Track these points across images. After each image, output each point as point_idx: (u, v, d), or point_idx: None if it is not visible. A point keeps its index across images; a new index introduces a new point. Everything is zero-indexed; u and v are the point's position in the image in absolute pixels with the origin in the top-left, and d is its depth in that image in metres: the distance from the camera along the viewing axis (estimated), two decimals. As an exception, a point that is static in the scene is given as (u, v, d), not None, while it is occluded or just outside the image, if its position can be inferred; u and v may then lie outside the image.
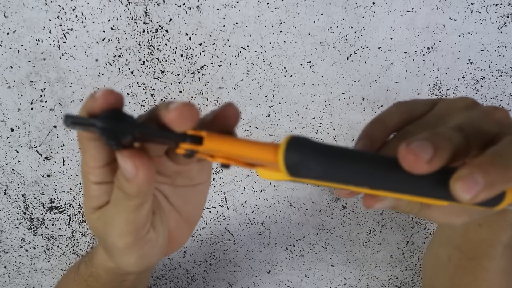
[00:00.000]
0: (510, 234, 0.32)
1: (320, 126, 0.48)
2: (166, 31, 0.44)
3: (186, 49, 0.45)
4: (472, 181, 0.19)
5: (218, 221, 0.51)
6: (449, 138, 0.20)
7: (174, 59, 0.45)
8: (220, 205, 0.51)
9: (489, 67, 0.46)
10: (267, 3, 0.43)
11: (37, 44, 0.44)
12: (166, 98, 0.46)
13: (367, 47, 0.45)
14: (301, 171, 0.20)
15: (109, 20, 0.43)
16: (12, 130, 0.47)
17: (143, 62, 0.45)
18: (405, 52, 0.46)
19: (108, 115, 0.20)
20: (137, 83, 0.46)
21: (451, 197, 0.20)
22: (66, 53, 0.44)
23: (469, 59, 0.46)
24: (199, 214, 0.30)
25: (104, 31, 0.44)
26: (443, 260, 0.38)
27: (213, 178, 0.49)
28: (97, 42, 0.44)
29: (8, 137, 0.47)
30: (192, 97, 0.46)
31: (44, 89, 0.45)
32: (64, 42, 0.44)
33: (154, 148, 0.24)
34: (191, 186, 0.28)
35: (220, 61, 0.45)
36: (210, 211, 0.51)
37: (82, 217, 0.51)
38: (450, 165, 0.21)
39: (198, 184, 0.28)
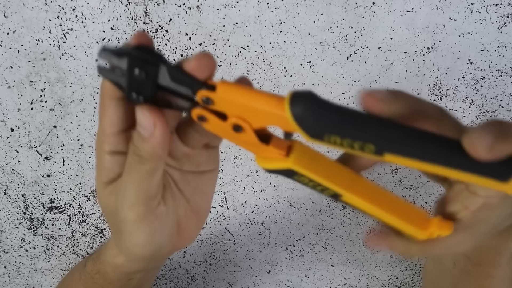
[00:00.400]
0: None
1: (320, 126, 0.48)
2: (166, 31, 0.44)
3: (186, 49, 0.45)
4: (485, 131, 0.19)
5: (218, 221, 0.51)
6: (414, 96, 0.22)
7: (174, 59, 0.45)
8: (220, 205, 0.51)
9: (489, 67, 0.46)
10: (267, 3, 0.43)
11: (37, 44, 0.44)
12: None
13: (367, 47, 0.45)
14: (308, 116, 0.20)
15: (109, 20, 0.43)
16: (12, 130, 0.47)
17: (143, 62, 0.45)
18: (405, 52, 0.46)
19: (141, 48, 0.21)
20: (137, 83, 0.46)
21: (462, 160, 0.20)
22: (66, 53, 0.44)
23: (469, 59, 0.46)
24: (207, 207, 0.30)
25: (104, 31, 0.44)
26: (448, 265, 0.37)
27: (213, 178, 0.50)
28: (97, 42, 0.44)
29: (8, 137, 0.47)
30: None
31: (44, 89, 0.45)
32: (64, 42, 0.44)
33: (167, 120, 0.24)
34: (199, 173, 0.28)
35: (220, 61, 0.45)
36: (210, 211, 0.51)
37: (82, 217, 0.51)
38: (417, 122, 0.22)
39: (206, 172, 0.28)
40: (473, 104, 0.48)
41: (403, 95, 0.22)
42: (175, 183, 0.28)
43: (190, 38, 0.44)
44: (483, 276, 0.34)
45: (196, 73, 0.21)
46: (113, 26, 0.44)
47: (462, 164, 0.20)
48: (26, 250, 0.52)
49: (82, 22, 0.43)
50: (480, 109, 0.48)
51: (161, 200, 0.25)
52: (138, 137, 0.22)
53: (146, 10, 0.43)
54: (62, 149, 0.48)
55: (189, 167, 0.27)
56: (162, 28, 0.44)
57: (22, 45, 0.44)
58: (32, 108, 0.46)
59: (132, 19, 0.43)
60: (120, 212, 0.25)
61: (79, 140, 0.47)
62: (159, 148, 0.22)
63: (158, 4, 0.43)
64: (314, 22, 0.44)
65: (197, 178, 0.28)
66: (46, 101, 0.46)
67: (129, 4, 0.43)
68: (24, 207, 0.50)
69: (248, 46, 0.45)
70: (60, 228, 0.51)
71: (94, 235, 0.52)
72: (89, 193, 0.50)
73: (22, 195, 0.49)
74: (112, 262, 0.31)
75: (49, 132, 0.47)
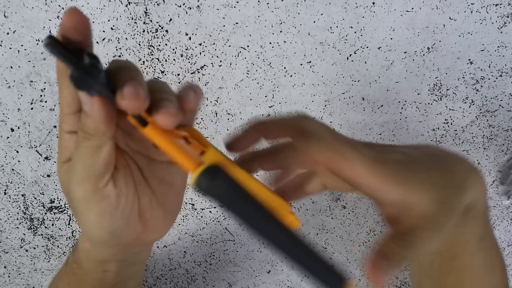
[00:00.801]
0: (482, 225, 0.32)
1: (320, 126, 0.48)
2: (166, 31, 0.44)
3: (186, 49, 0.45)
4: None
5: (218, 221, 0.51)
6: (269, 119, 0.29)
7: (174, 59, 0.45)
8: (220, 205, 0.51)
9: (489, 67, 0.46)
10: (267, 3, 0.43)
11: (37, 44, 0.44)
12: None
13: (367, 47, 0.45)
14: (207, 192, 0.24)
15: (109, 20, 0.43)
16: (12, 130, 0.47)
17: (143, 62, 0.45)
18: (405, 52, 0.46)
19: (81, 61, 0.21)
20: (137, 83, 0.46)
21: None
22: (66, 53, 0.44)
23: (469, 59, 0.46)
24: (176, 202, 0.30)
25: (104, 31, 0.44)
26: (425, 267, 0.38)
27: (213, 178, 0.49)
28: (97, 42, 0.44)
29: (8, 137, 0.47)
30: (192, 97, 0.46)
31: (44, 89, 0.46)
32: (64, 42, 0.44)
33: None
34: (168, 164, 0.28)
35: (220, 61, 0.45)
36: (210, 211, 0.51)
37: (82, 217, 0.51)
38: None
39: (175, 164, 0.28)
40: (473, 104, 0.48)
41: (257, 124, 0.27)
42: (140, 170, 0.27)
43: (190, 38, 0.44)
44: (460, 268, 0.34)
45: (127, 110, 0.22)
46: (113, 26, 0.44)
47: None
48: (26, 250, 0.52)
49: (82, 22, 0.43)
50: (480, 109, 0.48)
51: (111, 180, 0.25)
52: (83, 114, 0.23)
53: (146, 10, 0.43)
54: (62, 149, 0.48)
55: (156, 155, 0.27)
56: (162, 28, 0.44)
57: (22, 45, 0.44)
58: (32, 108, 0.46)
59: (132, 19, 0.43)
60: (70, 191, 0.25)
61: (79, 140, 0.47)
62: (100, 123, 0.22)
63: (158, 4, 0.43)
64: (314, 22, 0.44)
65: (164, 169, 0.28)
66: (46, 101, 0.46)
67: (129, 4, 0.43)
68: (24, 207, 0.50)
69: (248, 46, 0.45)
70: (60, 228, 0.51)
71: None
72: (89, 193, 0.50)
73: (22, 195, 0.49)
74: (82, 247, 0.31)
75: (49, 132, 0.47)
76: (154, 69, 0.45)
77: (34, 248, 0.52)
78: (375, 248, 0.26)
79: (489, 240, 0.34)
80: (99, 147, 0.23)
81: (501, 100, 0.48)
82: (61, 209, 0.50)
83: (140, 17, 0.43)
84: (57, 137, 0.47)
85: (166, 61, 0.45)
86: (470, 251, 0.33)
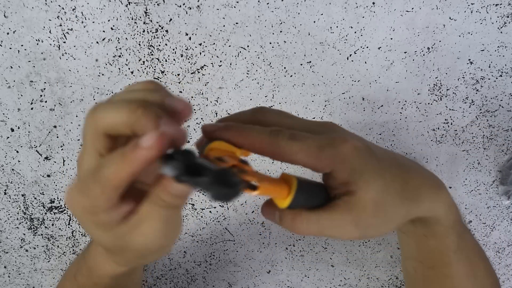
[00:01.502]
0: (454, 239, 0.33)
1: (320, 126, 0.48)
2: (166, 31, 0.44)
3: (186, 49, 0.45)
4: None
5: (218, 221, 0.51)
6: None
7: (174, 59, 0.45)
8: (220, 205, 0.51)
9: (489, 67, 0.46)
10: (267, 3, 0.43)
11: (37, 44, 0.44)
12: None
13: (367, 47, 0.45)
14: (295, 203, 0.28)
15: (109, 20, 0.43)
16: (12, 130, 0.47)
17: (143, 62, 0.45)
18: (405, 52, 0.46)
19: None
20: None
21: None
22: (66, 53, 0.44)
23: (469, 59, 0.46)
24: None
25: (104, 31, 0.44)
26: (411, 273, 0.39)
27: (213, 178, 0.49)
28: (97, 42, 0.44)
29: (8, 137, 0.47)
30: (192, 97, 0.46)
31: (44, 89, 0.46)
32: (64, 42, 0.44)
33: None
34: None
35: (220, 61, 0.45)
36: (210, 211, 0.51)
37: (82, 217, 0.51)
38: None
39: None
40: (473, 104, 0.48)
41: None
42: None
43: (190, 38, 0.44)
44: (441, 277, 0.35)
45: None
46: (113, 26, 0.44)
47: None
48: (26, 250, 0.52)
49: (82, 22, 0.43)
50: (480, 109, 0.48)
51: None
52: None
53: (146, 10, 0.43)
54: (62, 149, 0.48)
55: None
56: (162, 28, 0.44)
57: (22, 45, 0.44)
58: (32, 108, 0.46)
59: (132, 19, 0.43)
60: (147, 248, 0.26)
61: (79, 140, 0.47)
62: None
63: (158, 4, 0.43)
64: (314, 22, 0.44)
65: None
66: (46, 101, 0.46)
67: (129, 4, 0.43)
68: (24, 207, 0.50)
69: (248, 46, 0.45)
70: (60, 228, 0.51)
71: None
72: (89, 193, 0.50)
73: (22, 195, 0.49)
74: (113, 273, 0.32)
75: (49, 132, 0.47)
76: (154, 69, 0.45)
77: (34, 248, 0.52)
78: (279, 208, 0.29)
79: (466, 251, 0.35)
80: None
81: (501, 100, 0.48)
82: (61, 209, 0.50)
83: (140, 17, 0.43)
84: (59, 140, 0.47)
85: (166, 61, 0.45)
86: (447, 262, 0.34)
